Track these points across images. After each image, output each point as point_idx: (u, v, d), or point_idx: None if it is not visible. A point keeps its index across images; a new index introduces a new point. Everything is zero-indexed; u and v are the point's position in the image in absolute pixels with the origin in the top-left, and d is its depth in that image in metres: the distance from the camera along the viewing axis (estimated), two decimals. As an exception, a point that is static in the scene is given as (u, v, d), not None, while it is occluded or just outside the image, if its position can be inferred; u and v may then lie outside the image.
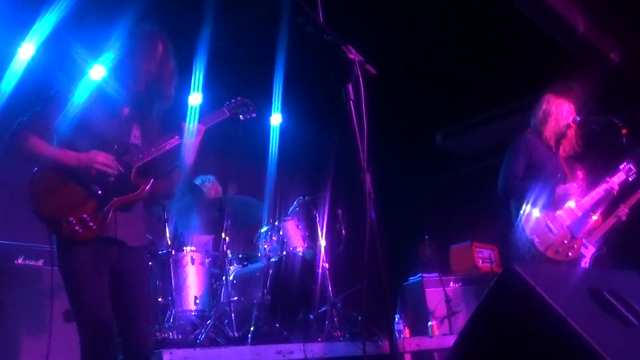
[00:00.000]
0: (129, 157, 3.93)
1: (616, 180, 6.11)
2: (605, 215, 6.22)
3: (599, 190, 6.06)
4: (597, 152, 6.71)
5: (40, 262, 5.60)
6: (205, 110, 4.32)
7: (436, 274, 7.48)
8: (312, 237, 6.47)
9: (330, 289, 6.22)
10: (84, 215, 3.69)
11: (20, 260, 5.46)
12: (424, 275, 7.56)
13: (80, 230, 3.67)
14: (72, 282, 3.69)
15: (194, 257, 5.99)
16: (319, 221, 6.49)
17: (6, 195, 6.40)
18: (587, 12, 7.68)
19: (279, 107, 7.33)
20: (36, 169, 3.80)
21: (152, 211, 6.12)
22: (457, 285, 7.58)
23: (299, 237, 6.38)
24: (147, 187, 3.96)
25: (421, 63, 8.09)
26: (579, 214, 5.92)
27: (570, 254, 5.85)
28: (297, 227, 6.44)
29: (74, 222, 3.66)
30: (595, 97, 7.91)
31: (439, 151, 9.82)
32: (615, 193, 6.10)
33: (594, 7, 7.76)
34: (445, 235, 8.59)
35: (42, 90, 6.43)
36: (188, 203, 6.22)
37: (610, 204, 6.26)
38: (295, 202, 6.66)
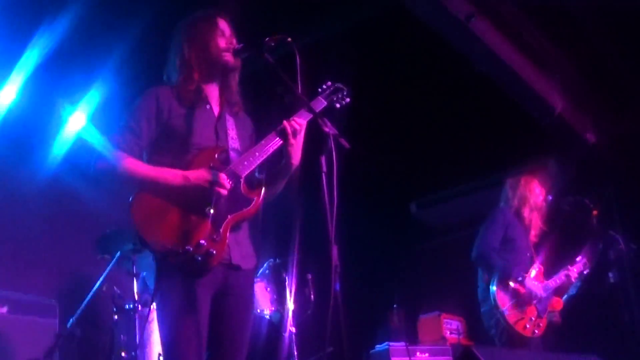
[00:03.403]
0: (234, 165, 3.44)
1: (575, 270, 6.24)
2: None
3: (560, 276, 6.18)
4: (567, 231, 6.82)
5: (4, 309, 5.55)
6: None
7: (403, 343, 7.43)
8: (280, 301, 6.43)
9: (296, 353, 6.18)
10: (201, 241, 3.21)
11: (-17, 307, 5.38)
12: (391, 344, 7.49)
13: (200, 259, 3.20)
14: (171, 319, 3.25)
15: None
16: (288, 284, 6.47)
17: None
18: (566, 92, 7.83)
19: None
20: (134, 194, 3.29)
21: (121, 264, 6.09)
22: (423, 355, 7.49)
23: (267, 299, 6.34)
24: (261, 198, 3.49)
25: (399, 133, 8.18)
26: (544, 294, 6.01)
27: (536, 331, 5.92)
28: (266, 289, 6.40)
29: (192, 250, 3.19)
30: (568, 176, 8.04)
31: (413, 221, 9.87)
32: (573, 280, 6.21)
33: (573, 88, 7.92)
34: (415, 305, 8.58)
35: (25, 135, 6.52)
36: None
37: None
38: (265, 264, 6.64)
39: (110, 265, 5.96)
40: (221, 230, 3.30)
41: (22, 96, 6.41)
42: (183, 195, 3.28)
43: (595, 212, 6.30)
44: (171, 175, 3.32)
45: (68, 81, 6.46)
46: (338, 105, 3.86)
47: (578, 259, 6.33)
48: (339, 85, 3.90)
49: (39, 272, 6.58)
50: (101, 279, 5.92)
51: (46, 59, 6.10)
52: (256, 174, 3.60)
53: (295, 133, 3.53)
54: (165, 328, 3.28)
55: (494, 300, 5.86)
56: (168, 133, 3.48)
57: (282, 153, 3.59)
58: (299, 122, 3.56)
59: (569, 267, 6.25)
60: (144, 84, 3.72)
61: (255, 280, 6.38)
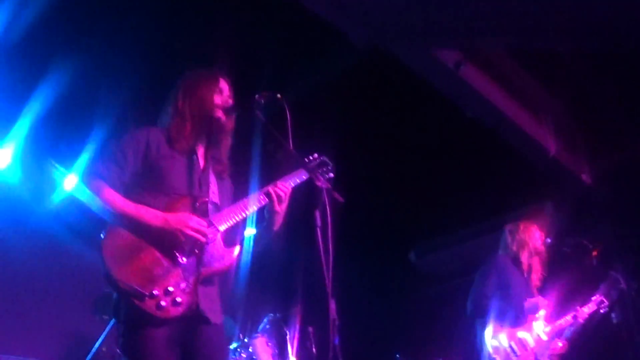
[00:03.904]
0: (215, 219, 3.40)
1: (586, 310, 6.09)
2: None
3: (568, 318, 6.06)
4: (567, 273, 6.78)
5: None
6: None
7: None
8: (282, 355, 6.38)
9: (300, 409, 6.13)
10: (169, 288, 3.14)
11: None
12: (397, 396, 7.42)
13: (165, 306, 3.10)
14: None
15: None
16: (289, 339, 6.42)
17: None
18: (558, 134, 7.85)
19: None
20: (107, 228, 3.24)
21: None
22: (429, 406, 7.43)
23: (268, 355, 6.27)
24: (235, 256, 3.44)
25: (394, 183, 8.18)
26: (545, 338, 5.91)
27: (534, 379, 5.83)
28: (267, 344, 6.33)
29: (159, 294, 3.10)
30: (567, 217, 8.03)
31: (412, 269, 9.82)
32: (581, 321, 6.08)
33: (565, 130, 7.95)
34: (417, 354, 8.49)
35: (20, 197, 6.51)
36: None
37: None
38: (265, 319, 6.59)
39: (110, 325, 5.93)
40: (191, 280, 3.24)
41: (17, 159, 6.45)
42: (159, 237, 3.24)
43: (595, 253, 6.26)
44: (151, 215, 3.28)
45: (61, 142, 6.50)
46: (320, 181, 3.57)
47: (593, 297, 6.20)
48: (325, 159, 3.89)
49: (38, 335, 6.54)
50: (100, 339, 5.89)
51: (40, 120, 6.14)
52: (236, 233, 3.56)
53: (280, 199, 3.55)
54: None
55: (486, 349, 5.81)
56: (151, 172, 3.46)
57: (263, 215, 3.60)
58: (284, 188, 3.59)
59: (579, 308, 6.14)
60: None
61: (255, 335, 6.36)
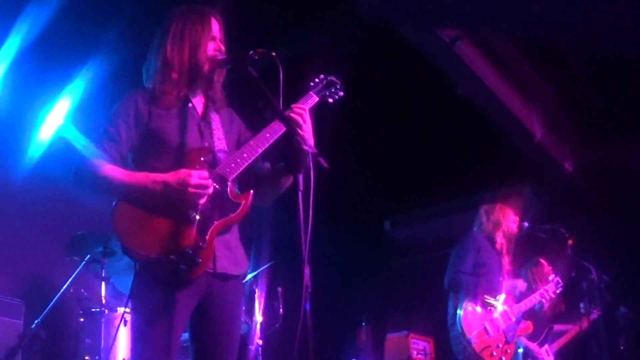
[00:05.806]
0: (221, 168, 3.23)
1: (548, 289, 6.29)
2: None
3: (532, 298, 6.19)
4: (541, 257, 6.86)
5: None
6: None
7: (368, 362, 7.42)
8: (248, 312, 6.40)
9: (262, 366, 6.16)
10: (187, 250, 3.05)
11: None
12: (356, 361, 7.49)
13: (185, 268, 3.04)
14: (143, 327, 3.11)
15: (127, 319, 5.84)
16: (257, 296, 6.43)
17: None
18: (546, 120, 7.87)
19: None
20: (115, 202, 3.12)
21: (90, 267, 6.03)
22: (388, 375, 7.51)
23: (236, 311, 6.31)
24: (249, 202, 3.26)
25: (376, 150, 8.16)
26: (513, 319, 6.02)
27: (503, 358, 5.90)
28: (235, 301, 6.36)
29: (176, 259, 3.03)
30: (544, 203, 8.08)
31: (385, 239, 9.85)
32: (545, 302, 6.29)
33: (553, 117, 7.98)
34: (384, 323, 8.57)
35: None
36: (128, 264, 6.08)
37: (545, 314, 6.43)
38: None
39: (80, 267, 5.89)
40: (207, 237, 3.13)
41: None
42: (165, 200, 3.11)
43: (570, 241, 6.32)
44: (150, 180, 3.13)
45: (47, 77, 6.38)
46: (331, 100, 3.68)
47: (551, 278, 6.43)
48: (332, 78, 3.70)
49: (6, 271, 6.47)
50: (69, 280, 5.84)
51: (25, 52, 6.00)
52: (249, 177, 3.40)
53: (298, 125, 3.29)
54: (136, 336, 3.17)
55: (461, 327, 5.86)
56: (151, 137, 3.29)
57: (283, 149, 3.34)
58: (300, 110, 3.35)
59: (542, 287, 6.31)
60: (125, 80, 3.55)
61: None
